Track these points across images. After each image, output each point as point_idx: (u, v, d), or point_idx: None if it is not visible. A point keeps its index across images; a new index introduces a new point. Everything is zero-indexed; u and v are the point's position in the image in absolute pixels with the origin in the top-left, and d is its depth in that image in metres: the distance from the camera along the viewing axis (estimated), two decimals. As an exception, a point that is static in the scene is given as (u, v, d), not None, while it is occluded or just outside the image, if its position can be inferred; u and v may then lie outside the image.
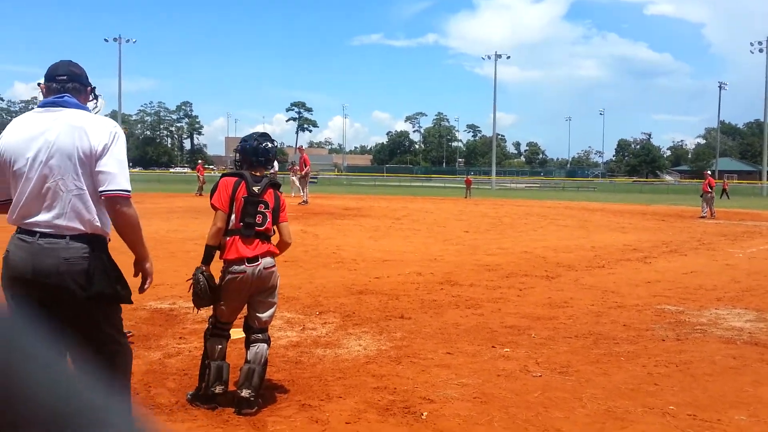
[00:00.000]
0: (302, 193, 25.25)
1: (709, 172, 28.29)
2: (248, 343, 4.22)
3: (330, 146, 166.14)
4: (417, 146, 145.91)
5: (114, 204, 2.90)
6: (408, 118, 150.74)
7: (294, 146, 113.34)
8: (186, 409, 4.06)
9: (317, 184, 52.02)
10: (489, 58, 66.43)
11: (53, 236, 2.82)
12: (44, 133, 2.87)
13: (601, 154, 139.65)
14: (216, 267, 4.16)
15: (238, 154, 4.36)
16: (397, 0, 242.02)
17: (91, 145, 2.85)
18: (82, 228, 2.85)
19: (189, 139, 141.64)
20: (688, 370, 5.05)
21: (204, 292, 4.06)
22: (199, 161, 43.18)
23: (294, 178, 28.87)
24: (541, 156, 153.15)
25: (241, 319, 4.36)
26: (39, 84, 3.10)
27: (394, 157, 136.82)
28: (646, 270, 10.27)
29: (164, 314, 6.42)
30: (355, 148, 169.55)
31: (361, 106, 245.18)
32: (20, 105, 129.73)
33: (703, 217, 22.91)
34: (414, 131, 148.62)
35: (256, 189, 4.14)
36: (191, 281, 4.10)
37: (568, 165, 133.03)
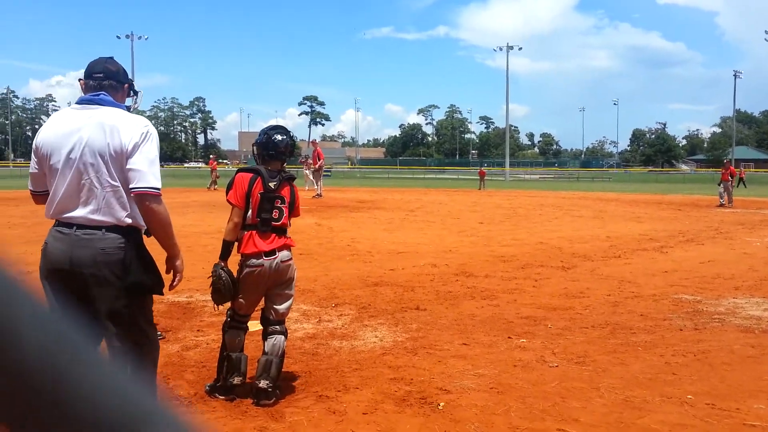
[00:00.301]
0: (316, 187, 25.31)
1: (730, 161, 27.99)
2: (265, 335, 4.24)
3: (343, 139, 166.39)
4: (430, 138, 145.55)
5: (143, 201, 2.96)
6: (420, 111, 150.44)
7: (307, 140, 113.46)
8: (205, 401, 4.10)
9: (331, 177, 52.06)
10: (501, 49, 66.01)
11: (90, 227, 2.90)
12: (79, 130, 2.95)
13: (615, 144, 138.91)
14: (232, 261, 4.18)
15: (254, 149, 4.35)
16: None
17: (122, 142, 2.92)
18: (117, 221, 2.93)
19: (203, 134, 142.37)
20: (706, 359, 5.02)
21: (227, 288, 4.07)
22: (211, 156, 43.36)
23: (307, 171, 28.95)
24: (554, 147, 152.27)
25: (258, 312, 4.38)
26: (79, 80, 3.16)
27: (407, 149, 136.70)
28: (663, 259, 10.20)
29: (182, 307, 6.48)
30: (368, 141, 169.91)
31: (373, 100, 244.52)
32: (35, 102, 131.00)
33: (721, 205, 22.73)
34: (427, 123, 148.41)
35: (272, 185, 4.14)
36: (212, 278, 4.10)
37: (583, 155, 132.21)
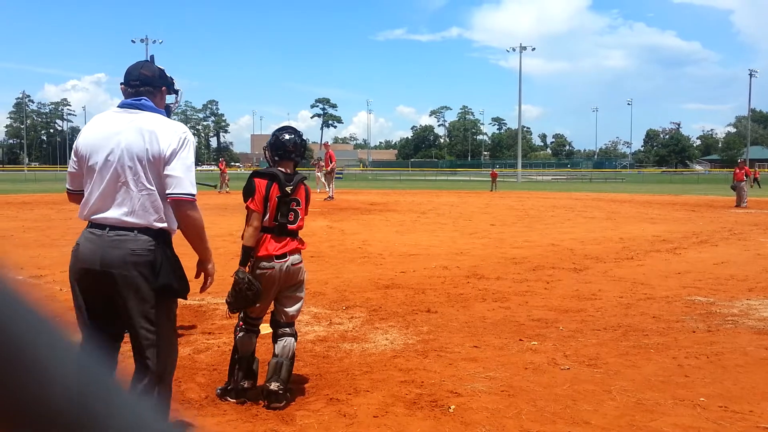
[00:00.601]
0: (328, 189, 25.34)
1: (744, 161, 27.70)
2: (275, 337, 4.25)
3: (355, 141, 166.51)
4: (442, 140, 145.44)
5: (179, 207, 3.02)
6: (432, 112, 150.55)
7: (319, 142, 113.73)
8: (216, 404, 4.11)
9: (342, 179, 52.16)
10: (514, 50, 66.08)
11: (122, 229, 2.95)
12: (119, 134, 3.01)
13: (629, 144, 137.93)
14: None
15: (266, 152, 4.37)
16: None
17: (160, 148, 2.98)
18: (148, 224, 2.98)
19: (215, 137, 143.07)
20: (719, 361, 4.98)
21: (256, 295, 4.02)
22: (221, 159, 43.84)
23: (319, 174, 29.01)
24: (567, 147, 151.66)
25: (268, 314, 4.39)
26: (121, 85, 3.22)
27: (419, 151, 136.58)
28: (676, 261, 10.13)
29: (193, 310, 6.50)
30: (380, 143, 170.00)
31: (385, 101, 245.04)
32: (50, 107, 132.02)
33: (739, 206, 22.52)
34: (439, 125, 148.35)
35: (288, 189, 4.13)
36: (239, 285, 4.02)
37: (596, 156, 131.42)
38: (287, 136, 4.28)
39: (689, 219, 17.91)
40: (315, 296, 7.13)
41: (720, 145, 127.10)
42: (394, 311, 6.60)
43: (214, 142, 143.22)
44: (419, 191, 36.52)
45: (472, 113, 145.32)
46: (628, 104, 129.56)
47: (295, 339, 4.30)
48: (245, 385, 4.15)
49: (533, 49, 68.14)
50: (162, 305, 3.03)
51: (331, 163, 25.56)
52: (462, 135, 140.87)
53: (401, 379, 4.56)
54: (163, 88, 3.25)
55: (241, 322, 4.27)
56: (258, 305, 4.18)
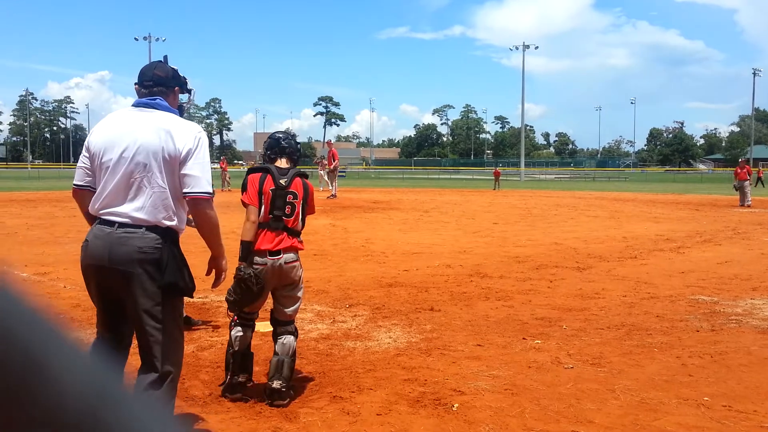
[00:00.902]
0: (331, 187, 25.35)
1: (746, 160, 27.64)
2: (276, 335, 4.26)
3: (358, 140, 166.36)
4: (445, 139, 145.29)
5: (197, 205, 3.07)
6: (435, 111, 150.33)
7: (322, 140, 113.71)
8: (219, 401, 4.12)
9: (345, 177, 52.18)
10: (517, 48, 65.76)
11: (130, 226, 2.97)
12: (134, 131, 3.03)
13: (632, 143, 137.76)
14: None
15: (263, 158, 4.49)
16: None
17: (176, 147, 3.01)
18: (157, 222, 3.00)
19: (218, 135, 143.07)
20: (723, 360, 4.97)
21: (261, 289, 4.06)
22: (222, 157, 43.98)
23: (322, 172, 29.02)
24: (570, 146, 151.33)
25: (268, 313, 4.40)
26: (135, 85, 3.25)
27: (421, 149, 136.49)
28: (680, 260, 10.11)
29: (197, 307, 6.51)
30: (383, 141, 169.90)
31: (388, 100, 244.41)
32: (53, 104, 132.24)
33: (746, 204, 22.47)
34: (441, 124, 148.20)
35: (282, 182, 4.18)
36: (245, 281, 4.02)
37: (599, 155, 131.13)
38: (279, 135, 4.45)
39: (693, 218, 17.88)
40: (318, 294, 7.13)
41: (723, 145, 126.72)
42: (397, 309, 6.60)
43: (217, 140, 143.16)
44: (422, 190, 36.52)
45: (475, 112, 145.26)
46: (632, 103, 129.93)
47: (296, 336, 4.31)
48: (240, 379, 4.16)
49: (536, 47, 68.05)
50: (168, 303, 3.04)
51: (334, 161, 25.58)
52: (465, 133, 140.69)
53: (404, 378, 4.56)
54: (176, 88, 3.28)
55: (235, 317, 4.29)
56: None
